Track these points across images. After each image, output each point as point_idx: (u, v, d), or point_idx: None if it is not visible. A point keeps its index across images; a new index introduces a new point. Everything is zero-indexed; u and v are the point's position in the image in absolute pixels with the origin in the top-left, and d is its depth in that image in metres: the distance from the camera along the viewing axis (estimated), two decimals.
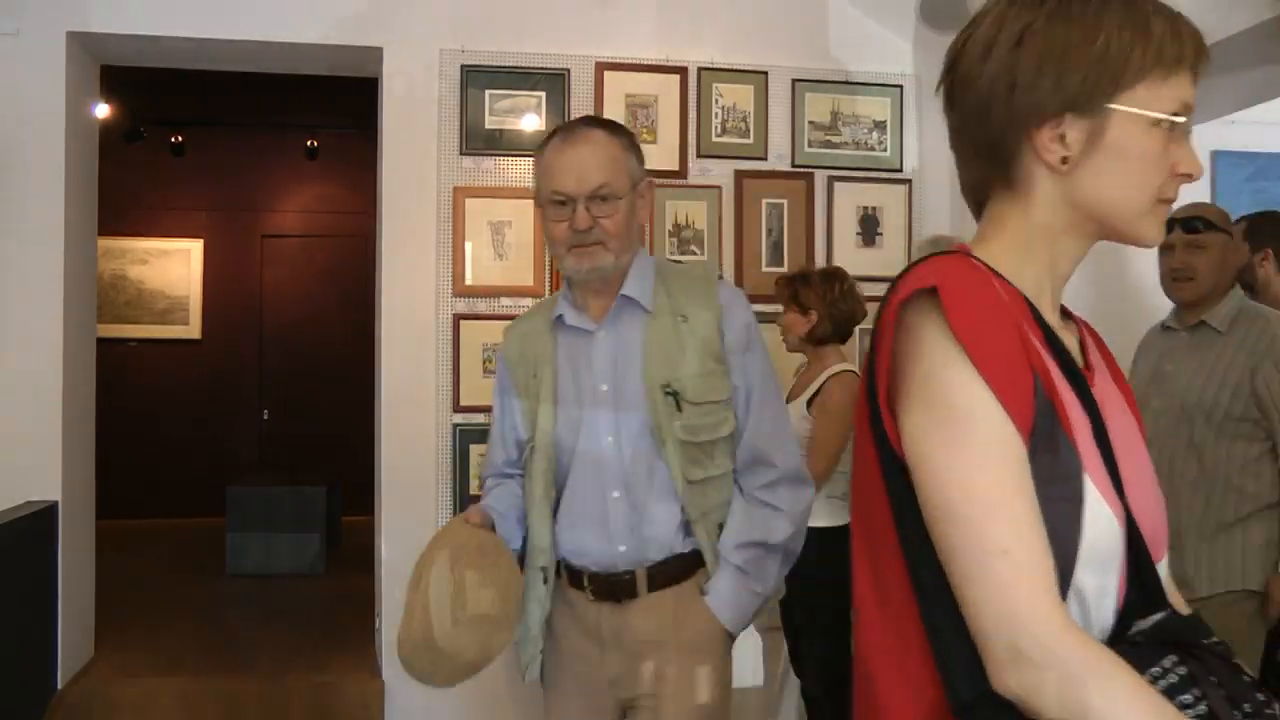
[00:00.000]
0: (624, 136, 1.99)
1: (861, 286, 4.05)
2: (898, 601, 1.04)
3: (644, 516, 1.96)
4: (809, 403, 3.23)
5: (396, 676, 3.85)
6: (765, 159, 4.05)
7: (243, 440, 7.64)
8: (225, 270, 7.80)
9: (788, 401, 3.34)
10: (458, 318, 3.84)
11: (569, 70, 3.91)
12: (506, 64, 3.89)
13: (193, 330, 7.80)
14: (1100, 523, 1.00)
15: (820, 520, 3.20)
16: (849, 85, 4.10)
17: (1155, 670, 0.95)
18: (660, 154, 3.96)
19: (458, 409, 3.84)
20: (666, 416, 1.94)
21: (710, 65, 4.01)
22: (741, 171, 4.02)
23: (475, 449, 3.84)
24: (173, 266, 7.79)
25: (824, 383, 3.22)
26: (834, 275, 3.32)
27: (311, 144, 7.68)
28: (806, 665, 3.29)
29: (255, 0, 3.79)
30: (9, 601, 3.37)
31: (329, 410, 7.52)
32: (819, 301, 3.25)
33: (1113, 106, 1.03)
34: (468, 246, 3.85)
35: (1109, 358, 1.20)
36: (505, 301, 3.88)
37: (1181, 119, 1.05)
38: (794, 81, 4.07)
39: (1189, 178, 1.08)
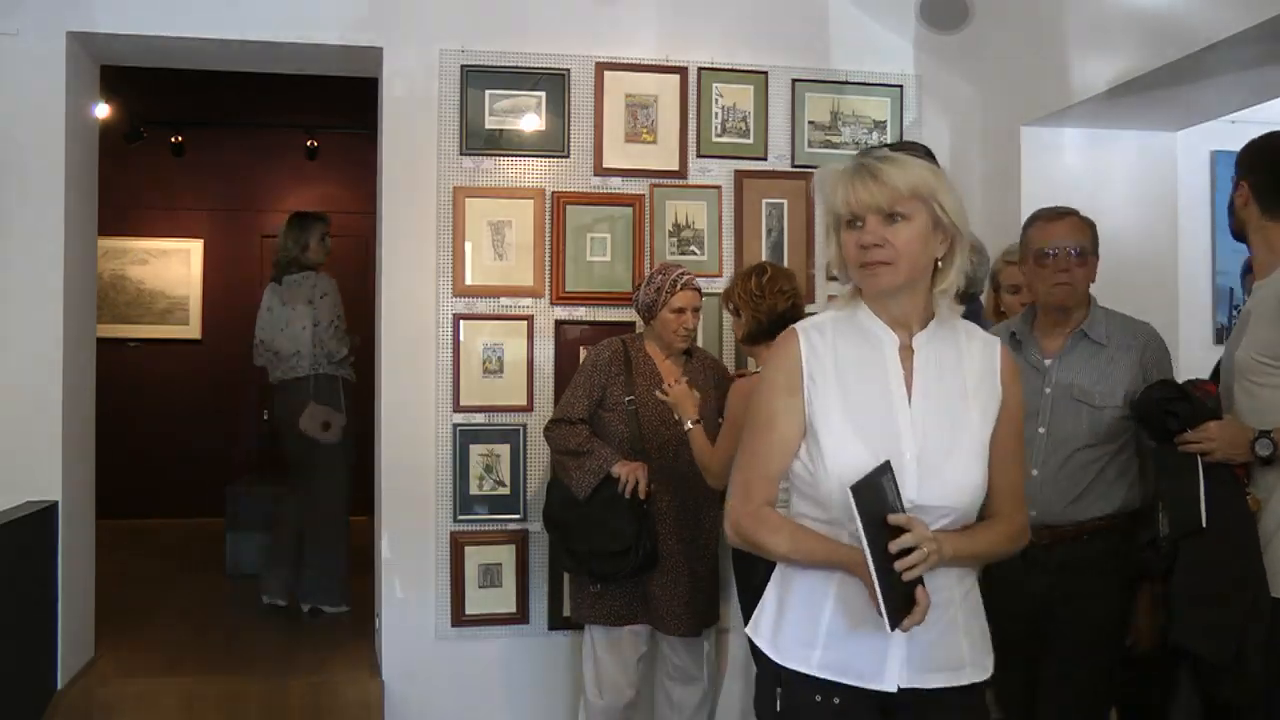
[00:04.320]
0: None
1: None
2: None
3: None
4: None
5: (396, 677, 3.86)
6: (765, 159, 4.05)
7: (243, 440, 7.64)
8: (225, 270, 7.79)
9: None
10: (458, 318, 3.84)
11: (569, 70, 3.91)
12: (506, 64, 3.89)
13: (193, 330, 7.79)
14: None
15: None
16: (849, 85, 4.10)
17: None
18: (660, 154, 3.97)
19: (458, 409, 3.84)
20: None
21: (710, 65, 4.01)
22: (741, 171, 4.02)
23: (475, 449, 3.84)
24: (173, 266, 7.79)
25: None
26: (754, 270, 3.29)
27: (311, 144, 7.67)
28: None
29: (255, 0, 3.79)
30: (9, 601, 3.37)
31: None
32: (741, 301, 3.24)
33: None
34: (468, 246, 3.85)
35: None
36: (505, 301, 3.88)
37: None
38: (794, 81, 4.07)
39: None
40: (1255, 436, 2.33)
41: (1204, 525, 2.35)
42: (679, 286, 3.39)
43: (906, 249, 1.79)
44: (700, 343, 3.84)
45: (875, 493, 1.70)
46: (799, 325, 1.92)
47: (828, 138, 4.09)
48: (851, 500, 1.66)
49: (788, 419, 1.86)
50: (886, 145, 2.19)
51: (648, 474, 3.34)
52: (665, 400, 3.27)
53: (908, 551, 1.68)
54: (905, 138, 4.14)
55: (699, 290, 3.45)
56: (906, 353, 1.86)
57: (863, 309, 1.89)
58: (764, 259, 3.96)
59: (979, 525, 1.88)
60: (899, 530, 1.69)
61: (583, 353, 3.80)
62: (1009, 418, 1.90)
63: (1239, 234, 2.60)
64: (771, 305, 3.19)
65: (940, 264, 1.85)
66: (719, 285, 3.98)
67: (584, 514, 3.36)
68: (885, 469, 1.72)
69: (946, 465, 1.81)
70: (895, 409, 1.83)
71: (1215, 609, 2.32)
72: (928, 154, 2.31)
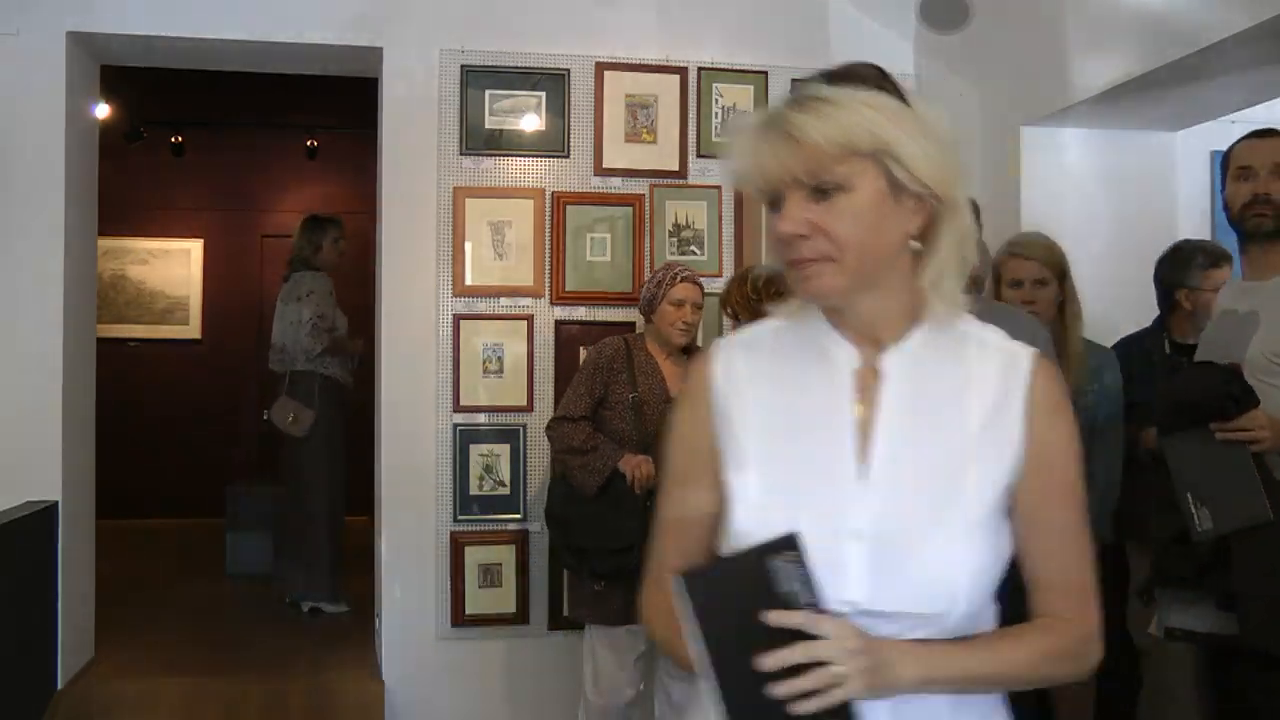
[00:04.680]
0: None
1: None
2: None
3: None
4: None
5: (396, 677, 3.86)
6: None
7: (243, 440, 7.64)
8: (225, 270, 7.80)
9: None
10: (458, 318, 3.84)
11: (569, 70, 3.91)
12: (506, 64, 3.89)
13: (193, 330, 7.80)
14: None
15: None
16: None
17: None
18: (660, 154, 3.96)
19: (458, 409, 3.84)
20: None
21: (710, 65, 4.01)
22: None
23: (475, 449, 3.84)
24: (173, 266, 7.79)
25: None
26: (747, 273, 3.34)
27: (311, 144, 7.67)
28: None
29: (256, 0, 3.79)
30: (9, 601, 3.37)
31: None
32: (739, 305, 3.27)
33: None
34: (468, 246, 3.85)
35: None
36: (505, 301, 3.88)
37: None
38: (794, 81, 4.04)
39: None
40: None
41: (1272, 517, 2.22)
42: (678, 279, 3.41)
43: (849, 235, 1.18)
44: (700, 342, 3.84)
45: (755, 580, 1.10)
46: (723, 340, 1.38)
47: None
48: (680, 591, 1.08)
49: (701, 474, 1.29)
50: (822, 74, 1.27)
51: (653, 465, 3.35)
52: None
53: (801, 670, 1.08)
54: None
55: (700, 286, 3.45)
56: (872, 377, 1.25)
57: (815, 314, 1.29)
58: (763, 261, 3.96)
59: (999, 633, 1.25)
60: (792, 635, 1.08)
61: (583, 353, 3.80)
62: (1045, 473, 1.23)
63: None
64: (766, 311, 3.21)
65: (923, 244, 1.23)
66: (719, 285, 3.98)
67: (587, 511, 3.36)
68: (783, 544, 1.11)
69: (917, 551, 1.18)
70: (840, 464, 1.22)
71: None
72: (880, 77, 1.31)
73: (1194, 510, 2.33)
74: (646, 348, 3.51)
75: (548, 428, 3.53)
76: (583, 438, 3.40)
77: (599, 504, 3.35)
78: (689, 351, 3.55)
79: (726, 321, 3.98)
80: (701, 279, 3.50)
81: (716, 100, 4.01)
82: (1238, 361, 2.43)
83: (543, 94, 3.91)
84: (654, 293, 3.44)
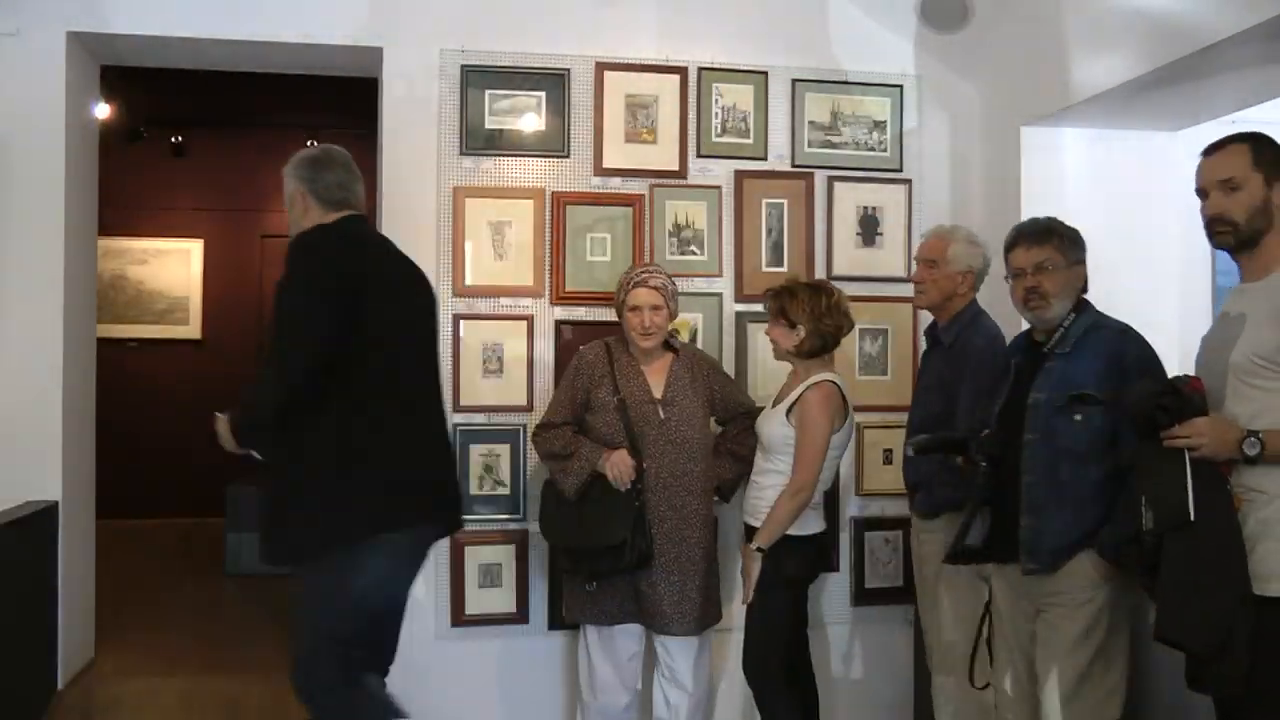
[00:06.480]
0: None
1: (859, 287, 4.06)
2: None
3: None
4: (789, 411, 3.25)
5: (397, 677, 3.85)
6: (765, 159, 4.04)
7: None
8: (225, 270, 7.81)
9: (772, 407, 3.36)
10: (458, 318, 3.84)
11: (569, 70, 3.91)
12: (506, 64, 3.89)
13: (193, 330, 7.81)
14: None
15: (802, 529, 3.23)
16: (849, 85, 4.10)
17: None
18: (660, 154, 3.96)
19: (458, 409, 3.84)
20: None
21: (710, 65, 4.01)
22: (741, 171, 4.02)
23: (475, 449, 3.84)
24: (173, 266, 7.80)
25: (803, 392, 3.23)
26: (820, 289, 3.29)
27: (311, 144, 7.65)
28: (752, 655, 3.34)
29: (256, 0, 3.79)
30: (9, 601, 3.37)
31: None
32: (805, 316, 3.23)
33: None
34: (468, 246, 3.85)
35: None
36: (505, 301, 3.88)
37: None
38: (794, 81, 4.07)
39: None
40: (1243, 435, 2.34)
41: (1192, 519, 2.35)
42: (632, 285, 3.37)
43: None
44: (700, 343, 3.85)
45: None
46: None
47: (828, 138, 4.09)
48: None
49: None
50: None
51: (634, 461, 3.33)
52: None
53: None
54: (905, 138, 4.14)
55: (659, 288, 3.39)
56: None
57: None
58: (762, 261, 3.97)
59: None
60: None
61: None
62: None
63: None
64: (837, 326, 3.24)
65: None
66: (719, 285, 3.99)
67: (577, 513, 3.36)
68: None
69: None
70: None
71: (1200, 601, 2.35)
72: None
73: (1144, 512, 2.45)
74: (629, 349, 3.50)
75: (533, 436, 3.53)
76: (562, 443, 3.40)
77: (587, 504, 3.35)
78: (675, 349, 3.52)
79: (729, 317, 3.98)
80: (663, 277, 3.41)
81: (716, 100, 4.01)
82: (1224, 362, 2.47)
83: (543, 94, 3.90)
84: (619, 299, 3.43)
